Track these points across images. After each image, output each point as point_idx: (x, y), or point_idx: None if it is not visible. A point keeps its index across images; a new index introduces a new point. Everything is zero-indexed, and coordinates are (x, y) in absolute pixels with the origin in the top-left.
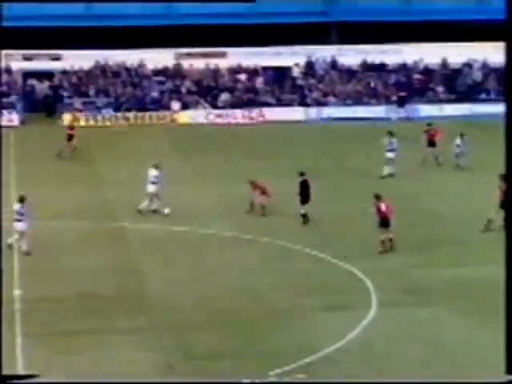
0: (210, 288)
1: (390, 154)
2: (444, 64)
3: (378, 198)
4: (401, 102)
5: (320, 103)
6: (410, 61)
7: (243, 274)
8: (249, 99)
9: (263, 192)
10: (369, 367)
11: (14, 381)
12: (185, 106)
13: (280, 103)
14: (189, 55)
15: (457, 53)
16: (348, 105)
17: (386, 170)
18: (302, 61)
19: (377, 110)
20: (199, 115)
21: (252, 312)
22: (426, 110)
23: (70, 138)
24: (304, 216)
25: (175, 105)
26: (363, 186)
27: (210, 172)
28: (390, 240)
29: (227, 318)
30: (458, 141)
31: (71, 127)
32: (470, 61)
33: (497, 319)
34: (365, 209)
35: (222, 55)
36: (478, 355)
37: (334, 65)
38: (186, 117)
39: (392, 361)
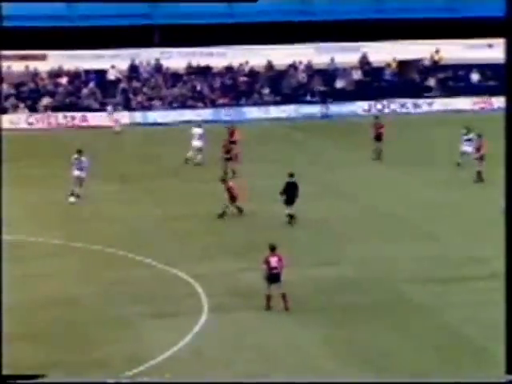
0: (32, 298)
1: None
2: (269, 66)
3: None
4: None
5: (145, 107)
6: (235, 63)
7: (67, 283)
8: (71, 103)
9: None
10: (199, 375)
11: (14, 381)
12: (3, 111)
13: (103, 107)
14: (6, 58)
15: (282, 55)
16: (174, 108)
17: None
18: (126, 64)
19: (204, 113)
20: (19, 119)
21: (80, 322)
22: (253, 112)
23: None
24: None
25: None
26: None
27: (31, 180)
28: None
29: (54, 329)
30: (471, 135)
31: None
32: (294, 62)
33: (318, 319)
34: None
35: (42, 58)
36: (298, 356)
37: (158, 68)
38: (5, 121)
39: (222, 367)
